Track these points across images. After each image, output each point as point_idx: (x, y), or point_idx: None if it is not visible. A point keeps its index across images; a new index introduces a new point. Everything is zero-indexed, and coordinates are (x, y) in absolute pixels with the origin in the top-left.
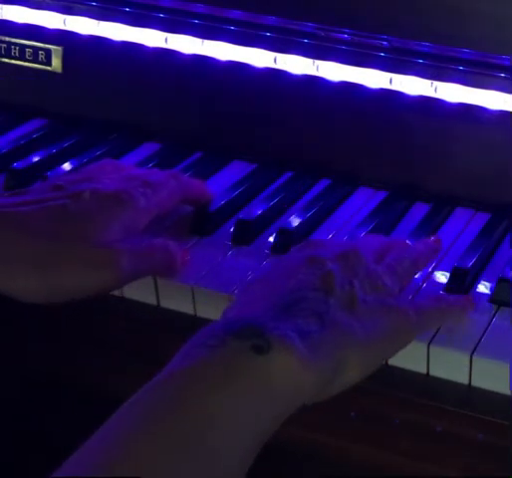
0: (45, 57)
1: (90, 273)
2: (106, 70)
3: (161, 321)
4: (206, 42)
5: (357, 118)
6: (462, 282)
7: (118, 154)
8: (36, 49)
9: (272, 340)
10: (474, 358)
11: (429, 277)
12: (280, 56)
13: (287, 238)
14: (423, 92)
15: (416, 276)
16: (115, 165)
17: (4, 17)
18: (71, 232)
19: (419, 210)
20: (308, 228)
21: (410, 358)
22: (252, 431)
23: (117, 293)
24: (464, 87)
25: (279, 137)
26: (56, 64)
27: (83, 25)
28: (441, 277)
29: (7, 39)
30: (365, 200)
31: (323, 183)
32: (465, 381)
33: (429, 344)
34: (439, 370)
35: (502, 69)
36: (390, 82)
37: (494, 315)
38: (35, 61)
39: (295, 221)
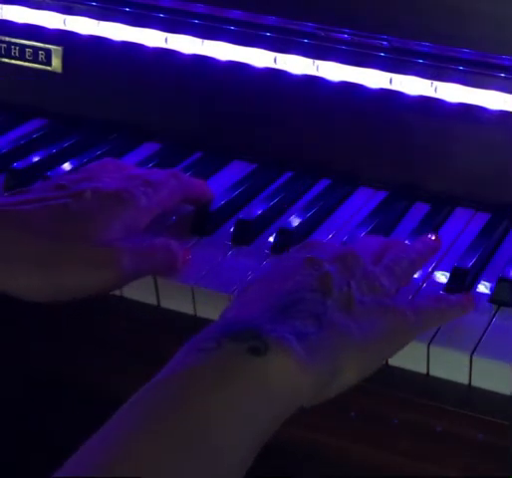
0: (45, 57)
1: (91, 272)
2: (106, 70)
3: (162, 321)
4: (206, 42)
5: (357, 118)
6: (462, 282)
7: (118, 154)
8: (36, 49)
9: (269, 341)
10: (474, 358)
11: (429, 277)
12: (280, 56)
13: (287, 238)
14: (423, 92)
15: (416, 276)
16: (116, 164)
17: (4, 17)
18: (72, 231)
19: (419, 210)
20: (308, 228)
21: (410, 357)
22: (252, 431)
23: (117, 293)
24: (464, 87)
25: (279, 137)
26: (56, 64)
27: (83, 25)
28: (441, 277)
29: (7, 39)
30: (365, 200)
31: (323, 183)
32: (465, 381)
33: (429, 344)
34: (439, 370)
35: (502, 69)
36: (390, 82)
37: (494, 315)
38: (35, 61)
39: (295, 221)
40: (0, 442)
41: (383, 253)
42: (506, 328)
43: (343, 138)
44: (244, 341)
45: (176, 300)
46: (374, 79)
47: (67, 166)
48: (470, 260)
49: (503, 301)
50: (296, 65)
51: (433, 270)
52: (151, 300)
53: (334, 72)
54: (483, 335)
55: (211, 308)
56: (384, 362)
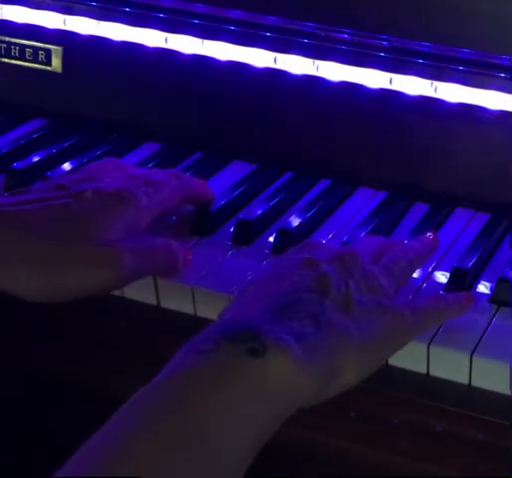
0: (45, 57)
1: (92, 272)
2: (106, 70)
3: (162, 321)
4: (206, 42)
5: (357, 118)
6: (462, 282)
7: (118, 154)
8: (36, 49)
9: (267, 343)
10: (474, 358)
11: (429, 277)
12: (280, 56)
13: (287, 238)
14: (423, 92)
15: (416, 276)
16: (116, 164)
17: (4, 17)
18: (73, 231)
19: (419, 210)
20: (308, 228)
21: (410, 357)
22: (251, 432)
23: (117, 293)
24: (464, 87)
25: (279, 137)
26: (56, 64)
27: (83, 25)
28: (441, 277)
29: (7, 39)
30: (365, 200)
31: (323, 183)
32: (465, 381)
33: (429, 344)
34: (439, 370)
35: (502, 69)
36: (390, 82)
37: (494, 315)
38: (35, 61)
39: (295, 221)
40: (1, 442)
41: (381, 253)
42: (506, 328)
43: (343, 138)
44: (242, 342)
45: (176, 300)
46: (374, 79)
47: (67, 166)
48: (470, 260)
49: (503, 301)
50: (296, 65)
51: (433, 270)
52: (151, 300)
53: (334, 72)
54: (483, 335)
55: (211, 308)
56: (383, 363)
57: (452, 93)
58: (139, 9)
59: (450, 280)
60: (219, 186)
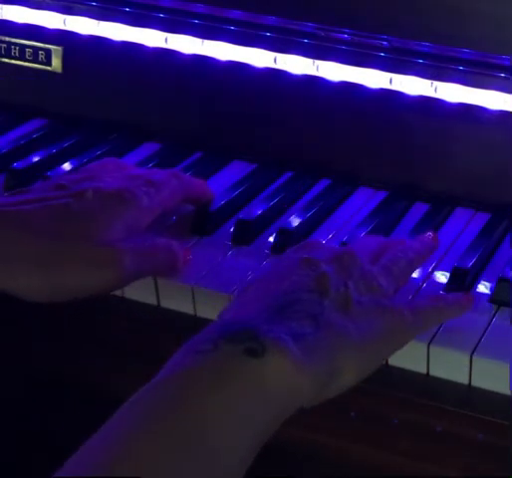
0: (45, 57)
1: (92, 272)
2: (106, 70)
3: (162, 321)
4: (206, 42)
5: (357, 118)
6: (462, 282)
7: (118, 154)
8: (36, 49)
9: (266, 343)
10: (474, 358)
11: (429, 277)
12: (280, 56)
13: (287, 238)
14: (423, 92)
15: (416, 276)
16: (116, 164)
17: (4, 17)
18: (73, 231)
19: (419, 210)
20: (308, 228)
21: (410, 358)
22: (250, 432)
23: (118, 293)
24: (464, 87)
25: (279, 137)
26: (56, 64)
27: (83, 25)
28: (441, 277)
29: (7, 39)
30: (365, 200)
31: (323, 183)
32: (465, 381)
33: (429, 344)
34: (439, 370)
35: (502, 69)
36: (390, 82)
37: (494, 315)
38: (35, 61)
39: (295, 221)
40: (1, 442)
41: (380, 253)
42: (506, 328)
43: (343, 138)
44: (241, 342)
45: (176, 300)
46: (374, 79)
47: (67, 166)
48: (470, 260)
49: (503, 301)
50: (296, 65)
51: (433, 270)
52: (152, 300)
53: (334, 72)
54: (483, 335)
55: (211, 308)
56: (382, 363)
57: (452, 93)
58: (139, 9)
59: (450, 280)
60: (219, 186)
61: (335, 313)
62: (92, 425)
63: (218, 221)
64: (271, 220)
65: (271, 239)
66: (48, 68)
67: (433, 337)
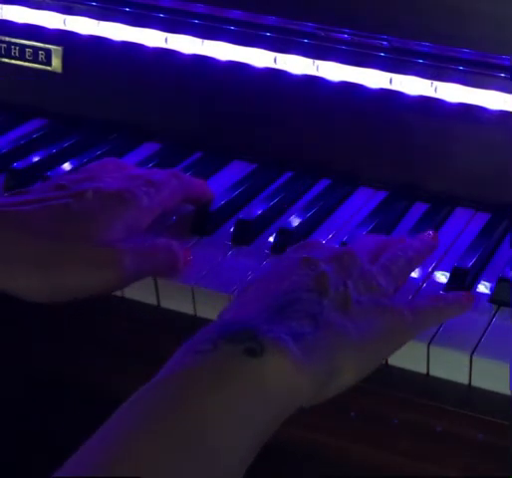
0: (45, 57)
1: (93, 272)
2: (106, 70)
3: (162, 321)
4: (206, 42)
5: (357, 118)
6: (462, 282)
7: (118, 154)
8: (36, 49)
9: (265, 342)
10: (474, 358)
11: (429, 277)
12: (280, 56)
13: (287, 238)
14: (423, 92)
15: (416, 276)
16: (116, 164)
17: (4, 17)
18: (74, 231)
19: (419, 210)
20: (308, 228)
21: (410, 357)
22: (250, 432)
23: (118, 293)
24: (464, 87)
25: (279, 137)
26: (56, 64)
27: (83, 25)
28: (441, 277)
29: (7, 39)
30: (365, 200)
31: (323, 183)
32: (465, 381)
33: (429, 344)
34: (439, 370)
35: (502, 69)
36: (390, 82)
37: (494, 315)
38: (35, 61)
39: (295, 221)
40: (1, 442)
41: (380, 252)
42: (506, 328)
43: (343, 138)
44: (240, 342)
45: (176, 300)
46: (374, 79)
47: (67, 166)
48: (470, 260)
49: (503, 301)
50: (296, 65)
51: (433, 270)
52: (152, 300)
53: (334, 72)
54: (483, 335)
55: (211, 308)
56: (382, 362)
57: (452, 93)
58: (139, 9)
59: (450, 280)
60: (219, 186)
61: (334, 312)
62: (92, 425)
63: (218, 221)
64: (271, 220)
65: (271, 239)
66: (48, 68)
67: (433, 337)
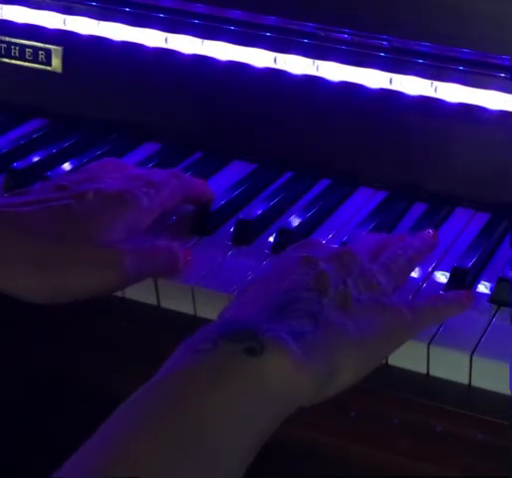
0: (45, 57)
1: (93, 273)
2: (106, 70)
3: (162, 321)
4: (206, 42)
5: (357, 118)
6: (462, 282)
7: (118, 154)
8: (36, 49)
9: (265, 342)
10: (474, 358)
11: (429, 277)
12: (280, 56)
13: (287, 238)
14: (423, 92)
15: (417, 276)
16: (116, 164)
17: (4, 17)
18: (74, 232)
19: (419, 210)
20: (308, 228)
21: (410, 357)
22: (250, 432)
23: (118, 293)
24: (464, 87)
25: (279, 137)
26: (56, 64)
27: (83, 25)
28: (441, 277)
29: (7, 39)
30: (365, 200)
31: (323, 183)
32: (465, 381)
33: (429, 344)
34: (439, 370)
35: (502, 69)
36: (390, 82)
37: (494, 315)
38: (35, 61)
39: (295, 221)
40: (1, 442)
41: (379, 250)
42: (506, 328)
43: (343, 138)
44: (240, 341)
45: (176, 300)
46: (374, 79)
47: (67, 166)
48: (470, 260)
49: (503, 301)
50: (296, 65)
51: (433, 270)
52: (152, 300)
53: (334, 72)
54: (483, 335)
55: (211, 308)
56: (382, 361)
57: (452, 93)
58: (139, 9)
59: (450, 280)
60: (219, 186)
61: (334, 311)
62: (92, 425)
63: (218, 221)
64: (271, 220)
65: (271, 239)
66: (48, 68)
67: (433, 337)
